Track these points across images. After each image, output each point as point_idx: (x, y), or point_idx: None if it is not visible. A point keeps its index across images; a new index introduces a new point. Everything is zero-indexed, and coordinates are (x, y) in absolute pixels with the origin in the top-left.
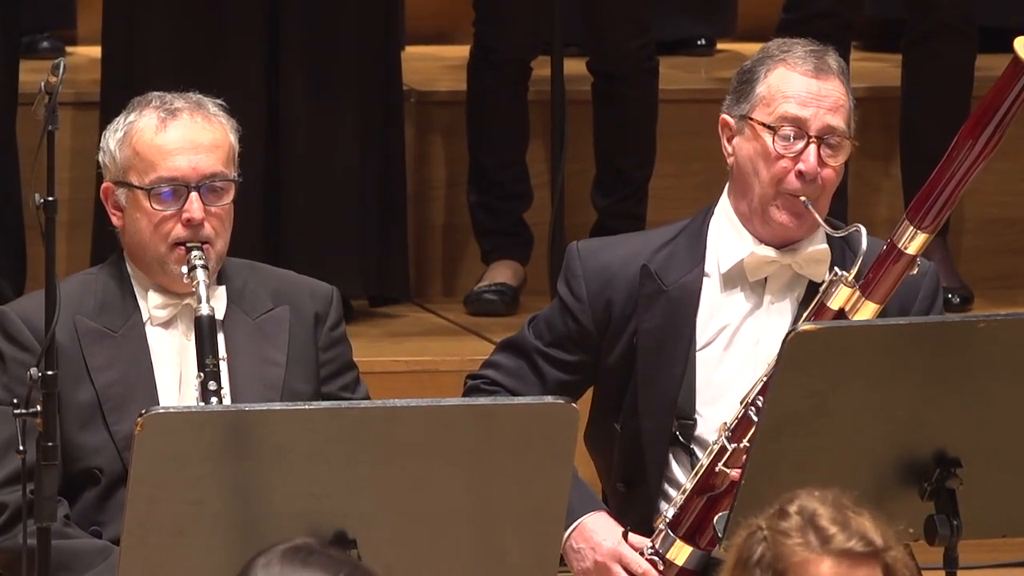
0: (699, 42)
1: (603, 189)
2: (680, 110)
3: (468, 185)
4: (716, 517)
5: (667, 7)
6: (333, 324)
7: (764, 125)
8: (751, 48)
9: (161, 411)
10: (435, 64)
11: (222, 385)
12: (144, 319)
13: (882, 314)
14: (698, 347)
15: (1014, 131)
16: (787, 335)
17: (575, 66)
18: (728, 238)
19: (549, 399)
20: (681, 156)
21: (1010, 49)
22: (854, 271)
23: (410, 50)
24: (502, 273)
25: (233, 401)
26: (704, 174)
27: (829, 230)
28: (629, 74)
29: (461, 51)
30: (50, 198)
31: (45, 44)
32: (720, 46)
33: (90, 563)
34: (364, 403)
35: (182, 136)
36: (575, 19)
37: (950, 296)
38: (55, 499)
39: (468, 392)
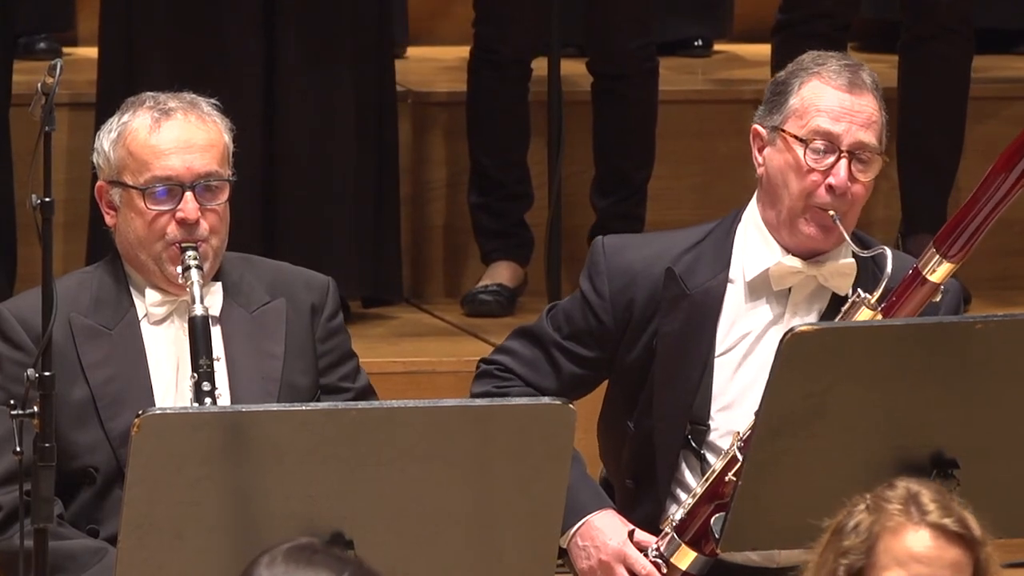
0: (696, 43)
1: (602, 190)
2: (677, 111)
3: (469, 186)
4: (713, 519)
5: (663, 8)
6: (330, 315)
7: (796, 138)
8: (748, 49)
9: (158, 412)
10: (432, 65)
11: (216, 386)
12: (140, 316)
13: None
14: (717, 353)
15: None
16: (784, 336)
17: (574, 67)
18: (755, 246)
19: (547, 400)
20: (677, 157)
21: (1008, 51)
22: (877, 294)
23: (407, 51)
24: (501, 274)
25: (232, 395)
26: (700, 176)
27: (856, 248)
28: (630, 75)
29: (458, 52)
30: (47, 199)
31: (42, 45)
32: (717, 47)
33: (85, 564)
34: (361, 404)
35: (176, 136)
36: (575, 19)
37: None
38: (52, 500)
39: (480, 376)
